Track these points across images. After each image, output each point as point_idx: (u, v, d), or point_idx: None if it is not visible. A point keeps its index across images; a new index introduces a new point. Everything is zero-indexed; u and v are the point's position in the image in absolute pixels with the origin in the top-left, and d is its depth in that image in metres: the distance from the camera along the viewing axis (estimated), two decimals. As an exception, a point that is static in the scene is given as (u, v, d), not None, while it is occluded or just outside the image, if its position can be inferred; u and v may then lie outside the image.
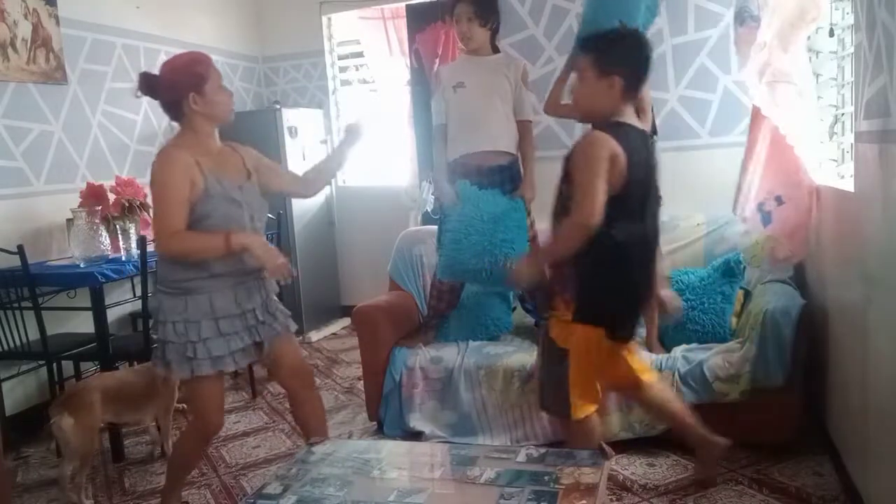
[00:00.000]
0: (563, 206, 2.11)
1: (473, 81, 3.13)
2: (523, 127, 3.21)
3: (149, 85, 2.23)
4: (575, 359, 2.14)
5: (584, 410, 2.20)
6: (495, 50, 3.23)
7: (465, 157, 3.13)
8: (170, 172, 2.17)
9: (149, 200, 3.02)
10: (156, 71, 2.27)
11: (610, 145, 2.00)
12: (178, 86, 2.19)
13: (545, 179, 3.50)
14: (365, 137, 2.51)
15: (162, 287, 2.28)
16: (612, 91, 2.05)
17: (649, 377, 2.44)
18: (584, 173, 2.02)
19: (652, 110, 2.92)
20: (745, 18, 2.98)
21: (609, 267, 2.08)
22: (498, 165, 3.09)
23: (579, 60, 2.14)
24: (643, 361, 2.48)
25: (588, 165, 2.01)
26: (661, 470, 2.68)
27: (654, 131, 2.92)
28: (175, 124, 2.30)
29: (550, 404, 2.27)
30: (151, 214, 2.28)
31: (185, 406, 3.12)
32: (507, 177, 3.12)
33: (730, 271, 3.10)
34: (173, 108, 2.24)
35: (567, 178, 2.11)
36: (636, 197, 2.10)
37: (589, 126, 2.15)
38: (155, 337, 2.33)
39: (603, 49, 2.08)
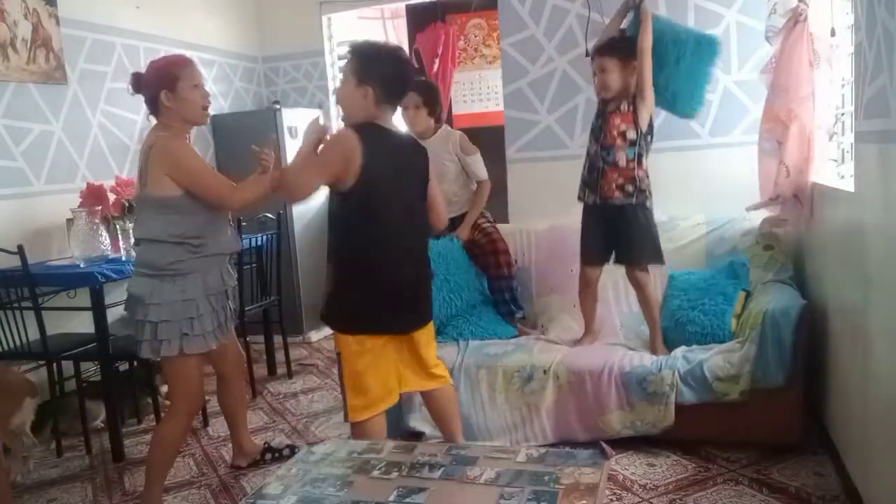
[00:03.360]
0: None
1: None
2: (481, 186, 3.46)
3: (136, 82, 2.50)
4: (346, 361, 2.19)
5: (361, 414, 2.21)
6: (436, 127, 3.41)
7: None
8: (189, 150, 2.46)
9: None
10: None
11: (348, 146, 2.11)
12: (154, 83, 2.45)
13: (544, 179, 3.52)
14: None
15: (150, 271, 2.40)
16: (366, 100, 2.17)
17: (441, 374, 2.42)
18: (317, 155, 2.20)
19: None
20: (798, 20, 2.86)
21: (353, 274, 2.19)
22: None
23: (346, 65, 2.24)
24: (435, 358, 2.41)
25: (322, 152, 2.19)
26: (661, 470, 2.68)
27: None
28: (153, 119, 2.54)
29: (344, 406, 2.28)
30: (200, 190, 2.43)
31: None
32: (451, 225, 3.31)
33: (734, 273, 3.11)
34: (152, 103, 2.48)
35: None
36: (381, 199, 2.16)
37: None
38: (139, 319, 2.41)
39: (362, 61, 2.19)
